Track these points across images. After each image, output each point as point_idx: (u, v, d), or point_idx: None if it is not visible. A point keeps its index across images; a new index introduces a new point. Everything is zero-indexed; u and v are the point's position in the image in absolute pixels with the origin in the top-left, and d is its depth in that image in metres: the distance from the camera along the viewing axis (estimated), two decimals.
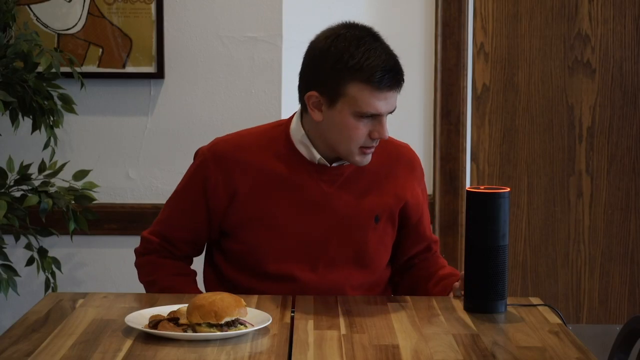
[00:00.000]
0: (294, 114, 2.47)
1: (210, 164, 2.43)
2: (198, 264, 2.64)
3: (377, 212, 2.45)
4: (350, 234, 2.44)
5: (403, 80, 2.33)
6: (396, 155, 2.52)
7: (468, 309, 2.22)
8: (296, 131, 2.41)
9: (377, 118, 2.31)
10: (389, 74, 2.28)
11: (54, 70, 3.19)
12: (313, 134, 2.39)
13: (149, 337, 1.96)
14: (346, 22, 2.39)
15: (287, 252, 2.41)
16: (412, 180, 2.53)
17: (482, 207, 2.20)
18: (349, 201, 2.43)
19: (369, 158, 2.37)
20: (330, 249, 2.42)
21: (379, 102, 2.29)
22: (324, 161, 2.40)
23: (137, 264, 2.56)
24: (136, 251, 2.56)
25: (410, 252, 2.56)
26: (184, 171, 3.61)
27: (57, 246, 3.54)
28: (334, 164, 2.42)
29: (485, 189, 2.21)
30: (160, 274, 2.50)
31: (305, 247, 2.41)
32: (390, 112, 2.34)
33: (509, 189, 2.23)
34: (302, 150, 2.41)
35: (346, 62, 2.28)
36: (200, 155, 2.47)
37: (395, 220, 2.51)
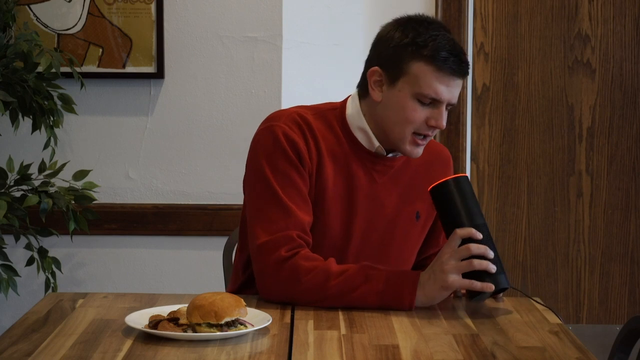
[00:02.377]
0: (347, 98, 2.41)
1: (293, 127, 2.32)
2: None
3: (418, 209, 2.43)
4: (393, 229, 2.40)
5: (468, 71, 2.28)
6: (436, 153, 2.49)
7: (472, 296, 2.22)
8: (354, 117, 2.36)
9: (436, 105, 2.26)
10: (454, 57, 2.24)
11: (54, 70, 3.19)
12: (369, 119, 2.34)
13: (149, 337, 1.96)
14: (419, 13, 2.36)
15: (329, 240, 2.35)
16: None
17: (446, 195, 2.20)
18: (396, 195, 2.39)
19: (419, 151, 2.32)
20: (373, 242, 2.39)
21: (441, 86, 2.24)
22: (381, 149, 2.35)
23: (286, 277, 2.22)
24: (272, 261, 2.23)
25: (427, 253, 2.54)
26: (184, 171, 3.63)
27: (57, 246, 3.54)
28: (389, 155, 2.37)
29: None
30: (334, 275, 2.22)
31: (348, 238, 2.36)
32: (451, 105, 2.29)
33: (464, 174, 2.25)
34: (359, 136, 2.36)
35: (412, 39, 2.25)
36: (278, 121, 2.33)
37: (432, 219, 2.48)
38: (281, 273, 2.22)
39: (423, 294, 2.18)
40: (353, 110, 2.36)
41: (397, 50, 2.26)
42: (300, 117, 2.34)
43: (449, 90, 2.25)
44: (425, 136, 2.30)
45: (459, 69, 2.25)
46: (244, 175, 2.41)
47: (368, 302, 2.19)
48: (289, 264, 2.22)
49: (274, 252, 2.23)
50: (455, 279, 2.16)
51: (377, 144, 2.35)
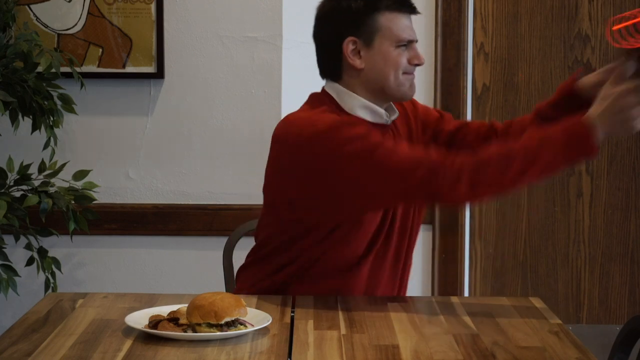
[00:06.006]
0: (319, 96, 2.41)
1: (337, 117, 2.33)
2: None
3: None
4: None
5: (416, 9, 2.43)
6: (401, 107, 2.52)
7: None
8: (349, 101, 2.39)
9: (410, 46, 2.38)
10: None
11: (53, 70, 3.19)
12: (360, 92, 2.39)
13: (149, 337, 1.96)
14: None
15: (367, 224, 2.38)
16: (417, 114, 2.56)
17: None
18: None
19: (414, 89, 2.41)
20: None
21: (407, 27, 2.38)
22: (387, 115, 2.42)
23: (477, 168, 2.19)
24: (448, 176, 2.18)
25: (476, 134, 2.57)
26: (184, 171, 3.62)
27: (57, 246, 3.54)
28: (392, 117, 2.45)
29: None
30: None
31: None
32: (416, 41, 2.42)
33: None
34: (363, 114, 2.38)
35: None
36: (324, 123, 2.30)
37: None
38: (461, 176, 2.16)
39: (604, 132, 2.13)
40: (343, 96, 2.39)
41: (359, 14, 2.36)
42: (322, 113, 2.33)
43: (411, 28, 2.39)
44: (412, 75, 2.40)
45: (411, 6, 2.40)
46: (304, 185, 2.31)
47: (556, 164, 2.15)
48: (457, 164, 2.18)
49: (440, 170, 2.18)
50: None
51: (382, 110, 2.40)
